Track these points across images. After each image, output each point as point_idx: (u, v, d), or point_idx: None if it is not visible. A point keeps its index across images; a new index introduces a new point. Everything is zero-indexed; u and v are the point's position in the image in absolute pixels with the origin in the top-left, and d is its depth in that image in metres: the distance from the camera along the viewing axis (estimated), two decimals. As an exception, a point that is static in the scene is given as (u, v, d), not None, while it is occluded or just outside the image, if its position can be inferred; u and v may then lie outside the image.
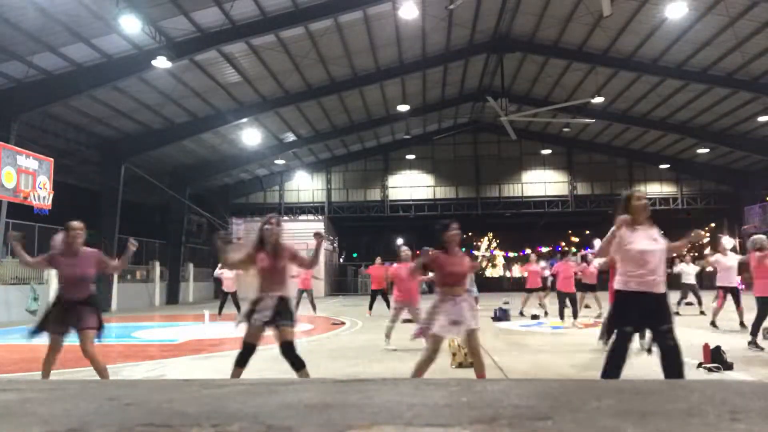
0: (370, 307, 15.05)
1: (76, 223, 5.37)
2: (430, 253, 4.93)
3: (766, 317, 7.82)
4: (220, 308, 15.02)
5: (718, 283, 10.89)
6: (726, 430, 1.36)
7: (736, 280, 10.70)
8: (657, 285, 4.23)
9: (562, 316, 11.70)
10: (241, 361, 4.78)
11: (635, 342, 7.99)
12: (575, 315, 11.58)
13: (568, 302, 11.55)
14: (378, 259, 15.55)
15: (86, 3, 13.68)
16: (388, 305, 14.00)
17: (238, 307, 14.87)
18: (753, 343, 7.75)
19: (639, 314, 4.27)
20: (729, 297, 10.64)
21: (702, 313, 13.58)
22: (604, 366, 4.33)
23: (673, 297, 19.93)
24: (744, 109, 23.47)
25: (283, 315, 4.71)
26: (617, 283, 4.44)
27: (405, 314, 8.67)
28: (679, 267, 14.60)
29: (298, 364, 4.72)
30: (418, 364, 4.82)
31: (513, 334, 10.51)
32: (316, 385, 2.09)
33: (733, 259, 10.64)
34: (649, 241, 4.32)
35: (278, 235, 4.92)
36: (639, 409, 1.56)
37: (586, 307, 14.19)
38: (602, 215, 33.65)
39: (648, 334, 7.50)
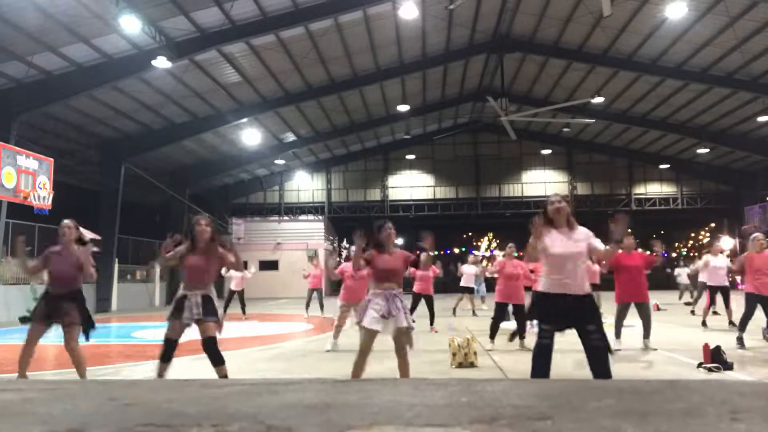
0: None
1: (66, 221, 5.66)
2: (369, 250, 5.09)
3: (752, 314, 7.93)
4: (225, 306, 15.11)
5: (708, 283, 11.06)
6: (726, 430, 1.36)
7: (725, 280, 10.83)
8: (575, 287, 4.24)
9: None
10: (166, 357, 4.96)
11: (639, 342, 8.02)
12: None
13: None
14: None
15: (86, 3, 13.67)
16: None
17: (244, 306, 15.02)
18: (739, 339, 7.84)
19: (557, 315, 4.29)
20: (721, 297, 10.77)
21: (692, 312, 13.66)
22: (531, 366, 4.38)
23: (671, 297, 19.85)
24: (744, 109, 23.46)
25: (208, 312, 4.93)
26: (539, 285, 4.47)
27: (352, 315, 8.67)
28: (677, 270, 14.64)
29: (217, 360, 4.92)
30: (356, 361, 4.89)
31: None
32: (316, 385, 2.09)
33: (722, 260, 10.85)
34: (567, 244, 4.33)
35: (209, 235, 5.12)
36: (639, 409, 1.56)
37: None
38: (602, 215, 33.74)
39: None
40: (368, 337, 4.83)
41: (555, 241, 4.33)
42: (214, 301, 5.05)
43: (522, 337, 8.20)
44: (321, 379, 2.32)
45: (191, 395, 1.97)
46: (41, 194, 15.04)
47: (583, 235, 4.40)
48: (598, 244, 4.38)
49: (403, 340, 4.88)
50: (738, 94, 22.16)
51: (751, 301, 7.92)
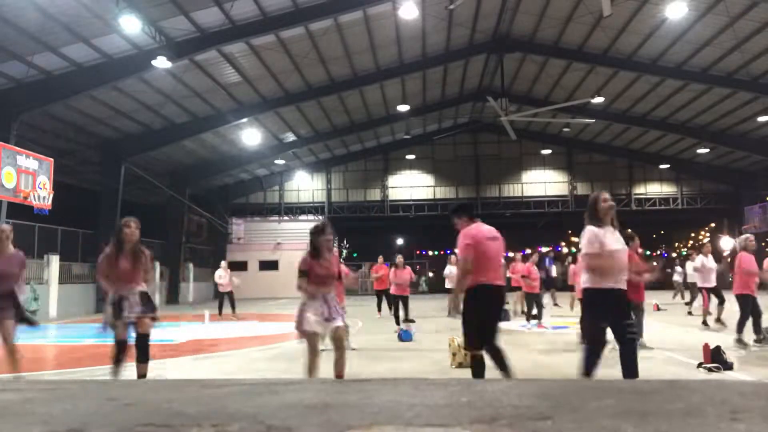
0: (379, 309, 14.99)
1: (4, 226, 5.72)
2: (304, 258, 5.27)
3: (748, 315, 7.96)
4: (219, 308, 15.29)
5: (700, 284, 11.18)
6: (726, 430, 1.36)
7: (713, 281, 10.96)
8: (622, 282, 4.53)
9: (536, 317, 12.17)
10: (117, 359, 5.16)
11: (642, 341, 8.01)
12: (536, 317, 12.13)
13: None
14: (380, 259, 15.47)
15: (86, 3, 13.67)
16: (390, 305, 14.01)
17: (233, 306, 15.18)
18: (739, 341, 7.86)
19: (610, 309, 4.48)
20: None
21: (689, 313, 13.68)
22: (584, 365, 4.53)
23: (664, 296, 19.82)
24: (744, 109, 23.46)
25: (148, 307, 5.18)
26: (590, 283, 4.58)
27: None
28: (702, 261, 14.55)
29: (144, 357, 5.14)
30: (308, 364, 5.03)
31: (513, 334, 10.51)
32: (316, 385, 2.09)
33: (712, 262, 10.94)
34: (619, 240, 4.58)
35: (137, 237, 5.32)
36: (639, 409, 1.56)
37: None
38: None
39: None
40: (311, 339, 5.03)
41: (608, 238, 4.49)
42: (151, 296, 5.27)
43: None
44: (321, 379, 2.32)
45: (191, 395, 1.97)
46: (41, 194, 15.03)
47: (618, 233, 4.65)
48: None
49: (339, 338, 5.14)
50: (738, 94, 22.16)
51: (746, 301, 7.94)
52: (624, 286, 4.50)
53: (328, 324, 5.03)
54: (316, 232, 5.21)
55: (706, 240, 36.99)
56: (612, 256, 4.42)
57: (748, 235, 8.42)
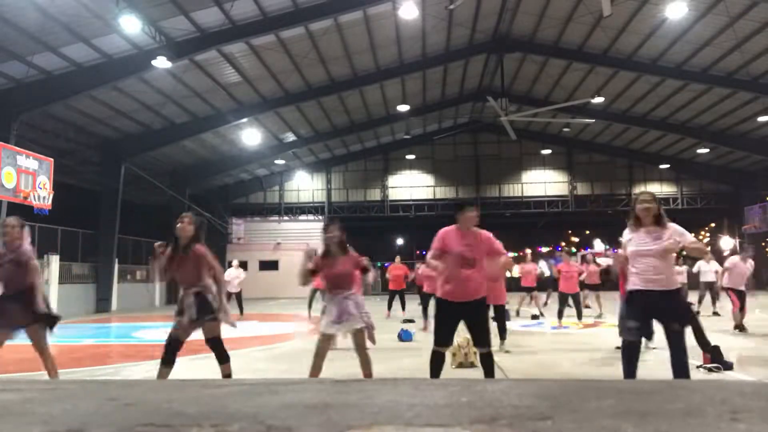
0: (389, 307, 15.01)
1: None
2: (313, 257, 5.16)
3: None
4: (241, 309, 15.40)
5: (726, 285, 11.13)
6: (726, 430, 1.36)
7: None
8: (663, 282, 4.41)
9: (560, 316, 11.60)
10: (166, 360, 4.94)
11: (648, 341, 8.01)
12: (579, 316, 11.59)
13: (571, 302, 11.51)
14: (397, 258, 15.37)
15: (86, 3, 13.67)
16: (404, 306, 14.14)
17: (241, 308, 15.20)
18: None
19: (644, 311, 4.38)
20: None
21: (715, 313, 13.48)
22: (623, 368, 4.47)
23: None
24: (744, 109, 23.46)
25: (202, 311, 4.93)
26: (628, 284, 4.55)
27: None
28: (698, 265, 14.48)
29: (220, 358, 4.99)
30: (313, 363, 4.96)
31: (513, 334, 10.50)
32: (316, 385, 2.09)
33: (713, 265, 10.88)
34: (653, 241, 4.44)
35: (192, 233, 5.10)
36: (639, 409, 1.56)
37: (587, 307, 14.21)
38: (602, 215, 33.72)
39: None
40: (324, 340, 4.98)
41: (640, 240, 4.43)
42: (208, 298, 4.95)
43: (502, 338, 8.10)
44: (321, 379, 2.32)
45: (191, 395, 1.97)
46: (41, 194, 15.03)
47: (669, 232, 4.44)
48: (685, 238, 4.43)
49: (359, 339, 5.00)
50: (738, 94, 22.15)
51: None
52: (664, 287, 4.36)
53: (338, 326, 4.93)
54: (323, 231, 5.16)
55: (706, 240, 36.96)
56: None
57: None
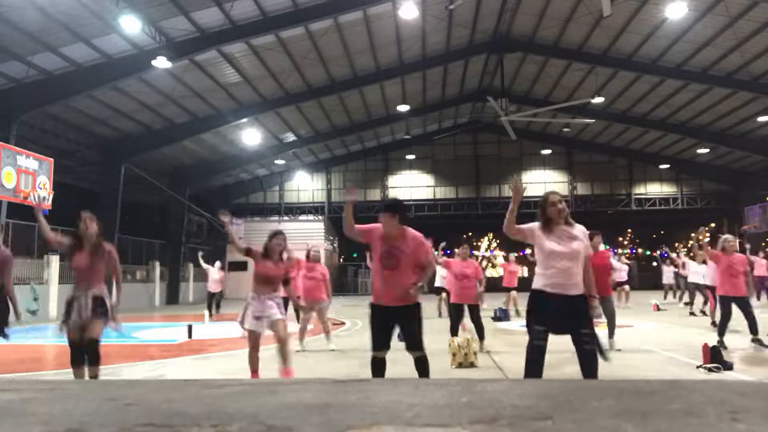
0: None
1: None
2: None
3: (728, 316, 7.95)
4: (218, 308, 15.29)
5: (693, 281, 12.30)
6: (726, 430, 1.36)
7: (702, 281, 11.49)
8: (570, 286, 4.30)
9: None
10: (73, 360, 4.99)
11: (636, 341, 8.00)
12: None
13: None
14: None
15: (86, 3, 13.68)
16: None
17: (218, 306, 15.28)
18: (720, 343, 7.76)
19: (552, 315, 4.35)
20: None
21: (703, 312, 13.56)
22: (525, 369, 4.47)
23: (655, 296, 19.80)
24: (744, 109, 23.47)
25: (97, 312, 4.96)
26: (535, 283, 4.48)
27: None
28: (689, 264, 14.62)
29: (95, 359, 4.93)
30: (248, 358, 5.51)
31: (513, 334, 10.51)
32: (316, 385, 2.09)
33: (703, 266, 11.66)
34: (564, 242, 4.33)
35: (95, 231, 5.23)
36: (639, 409, 1.56)
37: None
38: (602, 215, 33.71)
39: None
40: (251, 338, 5.45)
41: (552, 239, 4.30)
42: (106, 300, 4.99)
43: (481, 338, 7.99)
44: (321, 379, 2.32)
45: (191, 395, 1.97)
46: (41, 194, 15.04)
47: (580, 233, 4.36)
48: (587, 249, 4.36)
49: (279, 331, 5.46)
50: (738, 94, 22.16)
51: (726, 303, 7.92)
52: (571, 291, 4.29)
53: (260, 322, 5.39)
54: (269, 237, 5.74)
55: (706, 240, 36.93)
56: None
57: (728, 236, 8.33)
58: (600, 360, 4.26)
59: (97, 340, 4.90)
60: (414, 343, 4.62)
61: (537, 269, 4.43)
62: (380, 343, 4.61)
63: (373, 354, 4.66)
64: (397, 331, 4.71)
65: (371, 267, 4.82)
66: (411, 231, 4.58)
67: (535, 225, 4.42)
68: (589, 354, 4.18)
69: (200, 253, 17.57)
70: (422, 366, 4.69)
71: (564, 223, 4.35)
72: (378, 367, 4.67)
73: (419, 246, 4.55)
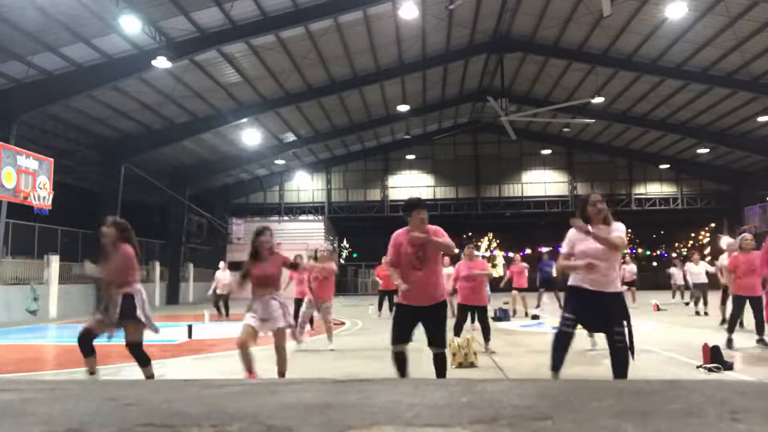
0: (380, 308, 14.98)
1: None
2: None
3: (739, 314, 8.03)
4: (227, 309, 15.18)
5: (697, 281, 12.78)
6: (726, 430, 1.36)
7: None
8: (605, 284, 4.43)
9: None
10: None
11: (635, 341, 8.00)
12: None
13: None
14: (384, 259, 15.37)
15: (86, 3, 13.68)
16: (392, 307, 14.04)
17: (227, 308, 15.14)
18: (729, 341, 7.77)
19: (586, 309, 4.47)
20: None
21: (705, 313, 13.54)
22: (551, 355, 4.51)
23: (664, 297, 19.77)
24: (744, 109, 23.47)
25: (125, 315, 4.96)
26: (571, 279, 4.59)
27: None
28: (687, 266, 14.58)
29: (143, 361, 4.98)
30: (240, 356, 5.16)
31: (513, 334, 10.52)
32: (316, 385, 2.09)
33: (701, 267, 12.38)
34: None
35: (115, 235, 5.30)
36: (639, 409, 1.56)
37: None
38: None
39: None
40: (245, 333, 5.15)
41: (587, 239, 4.39)
42: (134, 300, 4.98)
43: (487, 340, 7.96)
44: (321, 379, 2.32)
45: (191, 395, 1.97)
46: (41, 194, 15.03)
47: (618, 232, 4.42)
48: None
49: (279, 339, 5.33)
50: (738, 94, 22.16)
51: (740, 302, 7.94)
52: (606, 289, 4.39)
53: (263, 324, 5.20)
54: (254, 234, 5.44)
55: (706, 240, 36.96)
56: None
57: (746, 234, 8.37)
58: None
59: (133, 344, 4.96)
60: (438, 340, 4.73)
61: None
62: (401, 338, 4.69)
63: (394, 348, 4.72)
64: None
65: (388, 268, 4.85)
66: (430, 226, 4.77)
67: (570, 233, 4.59)
68: (621, 352, 4.27)
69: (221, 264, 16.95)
70: (441, 362, 4.77)
71: (602, 223, 4.46)
72: (400, 360, 4.72)
73: (436, 233, 4.70)
